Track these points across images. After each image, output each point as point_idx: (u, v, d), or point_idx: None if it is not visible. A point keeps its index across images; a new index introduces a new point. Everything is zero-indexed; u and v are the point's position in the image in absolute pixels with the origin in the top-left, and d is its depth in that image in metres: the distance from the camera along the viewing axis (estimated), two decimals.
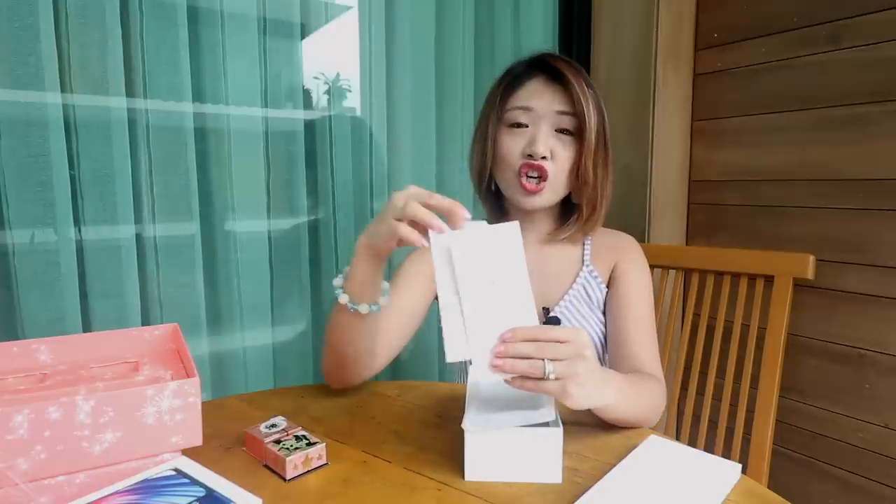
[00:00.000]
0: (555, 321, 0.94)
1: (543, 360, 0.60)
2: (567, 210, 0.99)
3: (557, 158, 0.90)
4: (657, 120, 1.50)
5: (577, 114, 0.89)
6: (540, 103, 0.90)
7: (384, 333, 0.86)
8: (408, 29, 1.39)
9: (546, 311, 0.96)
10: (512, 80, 0.94)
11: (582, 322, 0.96)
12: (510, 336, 0.62)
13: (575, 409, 0.65)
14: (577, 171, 0.91)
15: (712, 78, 1.54)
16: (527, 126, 0.91)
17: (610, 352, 0.96)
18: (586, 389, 0.63)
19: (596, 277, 0.99)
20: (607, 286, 0.99)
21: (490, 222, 1.01)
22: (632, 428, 0.77)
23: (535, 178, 0.90)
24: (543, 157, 0.89)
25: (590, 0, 1.62)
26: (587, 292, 0.98)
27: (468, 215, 0.66)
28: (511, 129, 0.92)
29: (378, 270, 0.75)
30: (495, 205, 1.00)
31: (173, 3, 1.11)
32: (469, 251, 0.64)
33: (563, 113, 0.89)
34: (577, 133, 0.90)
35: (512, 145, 0.91)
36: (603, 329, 0.98)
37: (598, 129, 0.91)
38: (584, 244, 1.01)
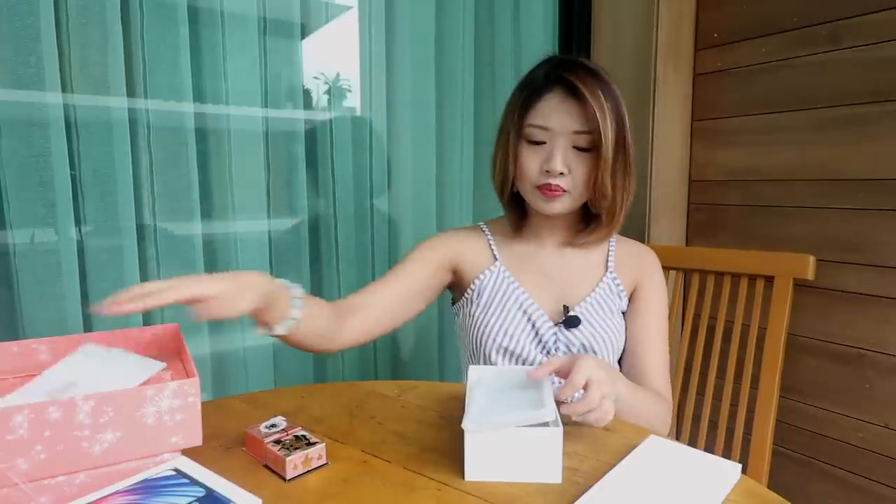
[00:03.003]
0: (575, 320, 0.95)
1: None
2: (588, 212, 0.99)
3: (574, 173, 0.91)
4: (657, 119, 1.50)
5: (592, 132, 0.89)
6: (556, 123, 0.90)
7: (386, 301, 0.92)
8: (408, 29, 1.39)
9: (566, 308, 0.96)
10: (531, 93, 0.93)
11: (601, 324, 0.96)
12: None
13: None
14: (594, 185, 0.91)
15: (712, 78, 1.54)
16: (545, 143, 0.91)
17: (624, 361, 1.00)
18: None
19: (619, 286, 1.00)
20: (629, 298, 1.02)
21: (512, 226, 1.04)
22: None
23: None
24: (561, 174, 0.90)
25: (590, 0, 1.62)
26: (608, 298, 0.99)
27: None
28: (530, 146, 0.93)
29: (274, 305, 0.71)
30: (518, 209, 1.01)
31: (174, 3, 1.11)
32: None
33: (579, 132, 0.89)
34: (593, 149, 0.90)
35: (531, 161, 0.92)
36: (623, 333, 0.99)
37: (617, 141, 0.90)
38: (608, 250, 1.03)
